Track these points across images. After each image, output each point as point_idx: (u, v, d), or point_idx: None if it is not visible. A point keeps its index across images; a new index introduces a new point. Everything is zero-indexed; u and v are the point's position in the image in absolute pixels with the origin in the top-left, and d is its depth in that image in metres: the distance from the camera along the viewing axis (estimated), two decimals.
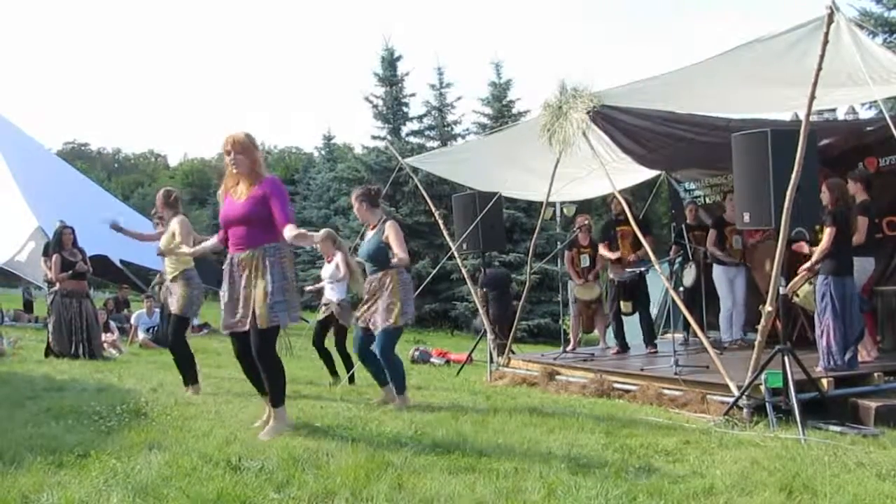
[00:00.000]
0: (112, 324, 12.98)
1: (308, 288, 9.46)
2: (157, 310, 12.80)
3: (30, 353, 10.32)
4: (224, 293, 4.90)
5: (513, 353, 9.71)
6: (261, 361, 4.83)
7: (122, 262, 16.93)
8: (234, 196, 4.91)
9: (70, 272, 10.28)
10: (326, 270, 8.12)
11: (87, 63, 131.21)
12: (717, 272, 9.78)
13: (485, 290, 13.76)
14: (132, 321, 14.25)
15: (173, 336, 7.00)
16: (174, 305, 6.93)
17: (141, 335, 13.77)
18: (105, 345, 11.15)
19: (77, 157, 64.95)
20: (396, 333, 6.41)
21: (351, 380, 7.96)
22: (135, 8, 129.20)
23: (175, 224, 7.01)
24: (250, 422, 5.19)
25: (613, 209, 8.24)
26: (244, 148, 4.86)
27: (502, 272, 12.00)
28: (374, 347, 6.40)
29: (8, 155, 17.87)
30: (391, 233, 6.32)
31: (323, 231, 6.91)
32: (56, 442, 4.41)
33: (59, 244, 10.45)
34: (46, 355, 10.03)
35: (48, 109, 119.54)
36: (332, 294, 8.04)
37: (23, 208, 16.37)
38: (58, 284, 10.35)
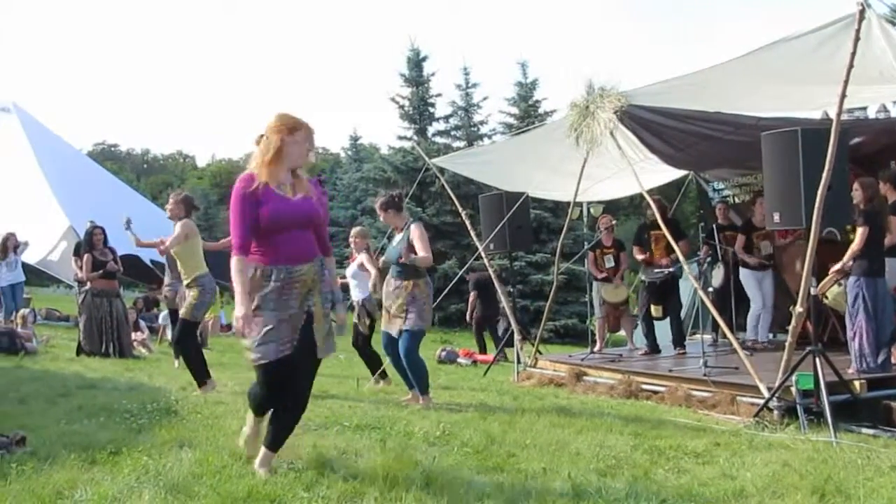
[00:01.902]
0: (142, 323, 13.10)
1: None
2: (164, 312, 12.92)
3: (61, 352, 10.47)
4: (272, 316, 3.76)
5: (539, 353, 9.68)
6: (304, 395, 3.92)
7: (152, 262, 17.08)
8: (293, 192, 3.89)
9: (101, 272, 10.43)
10: (350, 269, 8.16)
11: (118, 64, 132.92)
12: (745, 273, 9.67)
13: (475, 292, 13.90)
14: (161, 320, 14.38)
15: (180, 338, 7.17)
16: (182, 309, 7.12)
17: (170, 334, 13.85)
18: (135, 343, 11.29)
19: (107, 157, 65.67)
20: (422, 335, 6.53)
21: (383, 375, 7.97)
22: (165, 9, 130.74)
23: (177, 225, 7.14)
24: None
25: (648, 213, 8.23)
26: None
27: (486, 275, 12.05)
28: (399, 348, 6.46)
29: (40, 156, 18.16)
30: (416, 233, 6.41)
31: (357, 229, 7.44)
32: (89, 439, 4.48)
33: (90, 244, 10.59)
34: (78, 354, 10.18)
35: (79, 111, 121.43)
36: (357, 293, 8.07)
37: (55, 208, 16.63)
38: (88, 284, 10.51)
